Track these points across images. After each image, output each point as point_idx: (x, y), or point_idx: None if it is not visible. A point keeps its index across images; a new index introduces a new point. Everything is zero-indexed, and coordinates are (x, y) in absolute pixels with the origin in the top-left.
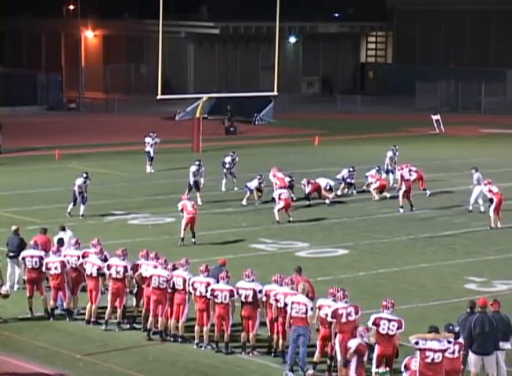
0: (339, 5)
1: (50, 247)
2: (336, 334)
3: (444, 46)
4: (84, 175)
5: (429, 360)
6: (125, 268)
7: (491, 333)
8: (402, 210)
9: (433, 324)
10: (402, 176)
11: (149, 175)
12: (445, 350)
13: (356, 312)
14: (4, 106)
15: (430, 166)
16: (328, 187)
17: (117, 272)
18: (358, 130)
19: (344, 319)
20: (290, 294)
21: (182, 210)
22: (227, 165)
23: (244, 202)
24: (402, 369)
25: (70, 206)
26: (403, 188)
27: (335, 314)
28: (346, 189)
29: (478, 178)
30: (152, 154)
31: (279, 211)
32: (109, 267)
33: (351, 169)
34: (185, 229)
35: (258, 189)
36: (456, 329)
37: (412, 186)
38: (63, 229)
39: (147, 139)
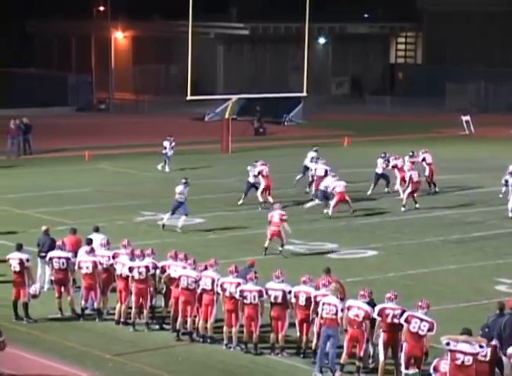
0: (368, 5)
1: (80, 247)
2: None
3: (473, 47)
4: (183, 180)
5: (459, 362)
6: (147, 268)
7: None
8: (403, 209)
9: (466, 327)
10: (410, 178)
11: (179, 175)
12: (477, 354)
13: (401, 315)
14: (34, 107)
15: (460, 167)
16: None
17: (140, 273)
18: (387, 131)
19: (389, 320)
20: (325, 296)
21: (270, 222)
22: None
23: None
24: (431, 370)
25: (167, 216)
26: (410, 189)
27: (381, 313)
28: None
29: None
30: (169, 155)
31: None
32: (131, 269)
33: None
34: (270, 240)
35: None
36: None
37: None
38: (97, 230)
39: (165, 143)
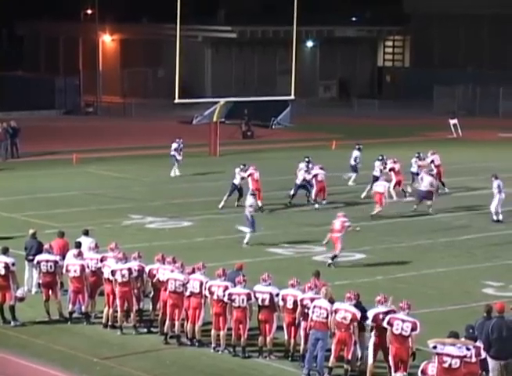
0: (356, 8)
1: (68, 250)
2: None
3: (461, 50)
4: (252, 192)
5: (446, 365)
6: (130, 270)
7: (509, 337)
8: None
9: (453, 330)
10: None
11: (167, 178)
12: (464, 356)
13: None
14: (22, 110)
15: (448, 170)
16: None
17: (123, 276)
18: (375, 134)
19: (381, 323)
20: (317, 299)
21: (331, 229)
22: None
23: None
24: (419, 374)
25: (244, 229)
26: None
27: (376, 318)
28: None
29: (498, 185)
30: (178, 158)
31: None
32: (113, 272)
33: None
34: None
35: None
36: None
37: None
38: (86, 233)
39: (174, 145)
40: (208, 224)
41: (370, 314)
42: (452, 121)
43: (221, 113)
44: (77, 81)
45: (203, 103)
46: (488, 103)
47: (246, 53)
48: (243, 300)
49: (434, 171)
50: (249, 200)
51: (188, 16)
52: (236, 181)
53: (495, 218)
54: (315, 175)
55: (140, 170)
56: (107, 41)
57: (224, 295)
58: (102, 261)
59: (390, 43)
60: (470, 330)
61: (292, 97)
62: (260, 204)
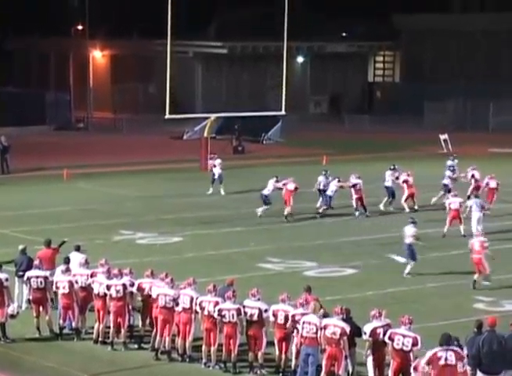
0: (346, 24)
1: (55, 258)
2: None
3: (451, 65)
4: (411, 220)
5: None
6: (124, 286)
7: (499, 352)
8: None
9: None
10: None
11: (158, 194)
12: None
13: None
14: (12, 126)
15: (439, 185)
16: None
17: (117, 292)
18: (366, 149)
19: (381, 338)
20: (306, 315)
21: (470, 250)
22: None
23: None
24: (411, 370)
25: (401, 259)
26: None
27: (373, 333)
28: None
29: (477, 203)
30: (216, 176)
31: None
32: (108, 287)
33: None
34: (480, 273)
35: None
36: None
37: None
38: (78, 249)
39: (210, 162)
40: (199, 239)
41: (367, 329)
42: (443, 137)
43: (211, 128)
44: (68, 96)
45: (194, 118)
46: (478, 117)
47: (236, 69)
48: (233, 315)
49: (473, 185)
50: (410, 229)
51: (178, 32)
52: (266, 191)
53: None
54: (354, 185)
55: (131, 185)
56: (98, 56)
57: (214, 311)
58: (92, 276)
59: (380, 58)
60: (455, 342)
61: (283, 112)
62: (286, 212)
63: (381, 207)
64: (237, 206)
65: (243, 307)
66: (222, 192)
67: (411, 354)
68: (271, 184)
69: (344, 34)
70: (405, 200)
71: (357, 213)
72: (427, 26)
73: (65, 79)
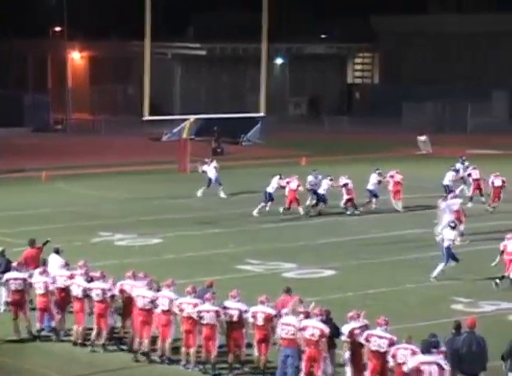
0: (325, 26)
1: (39, 258)
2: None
3: (430, 66)
4: (452, 224)
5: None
6: (105, 289)
7: (478, 353)
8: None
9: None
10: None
11: (137, 195)
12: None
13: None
14: None
15: (418, 186)
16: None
17: (97, 295)
18: (345, 150)
19: (359, 339)
20: (284, 317)
21: (502, 252)
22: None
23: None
24: (390, 358)
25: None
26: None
27: (351, 334)
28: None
29: (447, 205)
30: (213, 179)
31: None
32: (90, 290)
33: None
34: (508, 270)
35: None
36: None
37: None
38: (57, 251)
39: (204, 168)
40: (178, 241)
41: (345, 330)
42: (421, 138)
43: (190, 130)
44: (46, 98)
45: (173, 120)
46: (456, 119)
47: (215, 70)
48: (211, 317)
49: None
50: (449, 232)
51: (157, 33)
52: (270, 189)
53: (437, 239)
54: (345, 184)
55: (110, 187)
56: (76, 58)
57: (193, 312)
58: (70, 278)
59: (359, 60)
60: (433, 339)
61: (262, 114)
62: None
63: (352, 211)
64: (217, 208)
65: (224, 308)
66: (222, 195)
67: (387, 355)
68: (275, 181)
69: (322, 36)
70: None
71: (348, 212)
72: (405, 27)
73: (43, 80)
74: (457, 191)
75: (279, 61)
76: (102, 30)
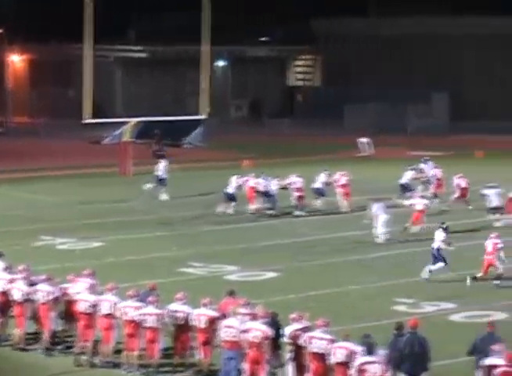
0: (266, 28)
1: None
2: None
3: (371, 69)
4: (444, 226)
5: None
6: (48, 293)
7: (421, 353)
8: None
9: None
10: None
11: (78, 199)
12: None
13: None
14: None
15: (360, 188)
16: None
17: (42, 297)
18: (287, 153)
19: (301, 341)
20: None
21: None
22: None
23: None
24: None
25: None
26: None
27: (292, 336)
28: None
29: (381, 207)
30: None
31: None
32: (34, 292)
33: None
34: (485, 271)
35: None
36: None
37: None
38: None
39: (160, 166)
40: (120, 244)
41: (287, 332)
42: (363, 140)
43: (131, 132)
44: None
45: (114, 122)
46: (397, 121)
47: (157, 73)
48: (154, 320)
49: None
50: (440, 234)
51: (99, 36)
52: (230, 189)
53: (379, 240)
54: (292, 183)
55: (50, 190)
56: (16, 61)
57: (136, 316)
58: (11, 282)
59: (300, 62)
60: (365, 339)
61: (204, 116)
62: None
63: (301, 212)
64: (158, 211)
65: (170, 311)
66: (164, 197)
67: (327, 356)
68: (234, 181)
69: (264, 39)
70: (344, 200)
71: (296, 213)
72: (345, 30)
73: None
74: (419, 190)
75: (220, 63)
76: (43, 33)
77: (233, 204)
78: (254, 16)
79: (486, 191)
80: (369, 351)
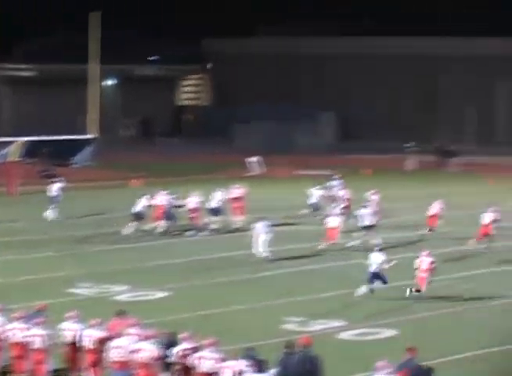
0: (156, 48)
1: None
2: None
3: (260, 89)
4: (378, 248)
5: None
6: None
7: (311, 371)
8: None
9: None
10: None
11: None
12: None
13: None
14: None
15: (249, 207)
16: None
17: None
18: (176, 172)
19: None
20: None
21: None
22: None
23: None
24: None
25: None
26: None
27: (180, 356)
28: None
29: (265, 226)
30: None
31: None
32: None
33: None
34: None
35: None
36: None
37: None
38: None
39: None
40: (8, 265)
41: (175, 352)
42: (252, 159)
43: (18, 152)
44: None
45: (1, 142)
46: (285, 140)
47: (45, 91)
48: (41, 341)
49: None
50: (378, 256)
51: None
52: (138, 208)
53: (264, 255)
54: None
55: None
56: None
57: (22, 338)
58: None
59: (190, 82)
60: (248, 352)
61: (92, 136)
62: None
63: (194, 232)
64: (47, 230)
65: (60, 330)
66: (51, 215)
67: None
68: (143, 201)
69: (153, 58)
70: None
71: (189, 232)
72: (235, 50)
73: None
74: (331, 209)
75: (110, 82)
76: None
77: (137, 223)
78: (143, 35)
79: (361, 211)
80: (260, 369)
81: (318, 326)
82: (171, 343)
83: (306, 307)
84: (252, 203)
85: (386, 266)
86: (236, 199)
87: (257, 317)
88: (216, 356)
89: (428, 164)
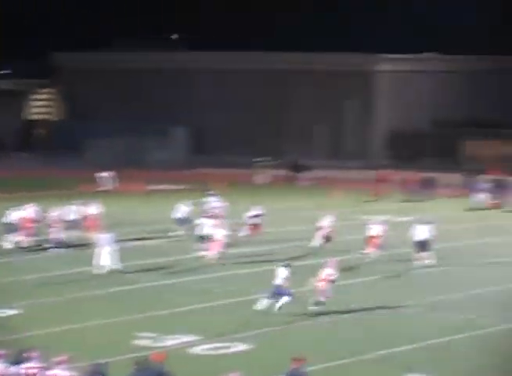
0: (5, 61)
1: None
2: None
3: (114, 104)
4: (286, 263)
5: None
6: None
7: None
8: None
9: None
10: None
11: None
12: None
13: None
14: None
15: (101, 222)
16: None
17: None
18: (27, 188)
19: None
20: None
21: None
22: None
23: None
24: None
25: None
26: None
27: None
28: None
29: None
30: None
31: None
32: None
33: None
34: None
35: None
36: None
37: None
38: None
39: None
40: None
41: (20, 369)
42: (104, 174)
43: None
44: None
45: None
46: (138, 155)
47: None
48: None
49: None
50: (283, 271)
51: None
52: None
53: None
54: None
55: None
56: None
57: None
58: None
59: (40, 96)
60: (95, 368)
61: None
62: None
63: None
64: None
65: None
66: None
67: None
68: (14, 215)
69: (2, 72)
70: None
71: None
72: (87, 64)
73: None
74: (199, 222)
75: None
76: None
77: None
78: None
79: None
80: None
81: (170, 341)
82: (16, 361)
83: (160, 322)
84: (105, 218)
85: (287, 283)
86: (91, 215)
87: (110, 333)
88: (68, 373)
89: (279, 178)
